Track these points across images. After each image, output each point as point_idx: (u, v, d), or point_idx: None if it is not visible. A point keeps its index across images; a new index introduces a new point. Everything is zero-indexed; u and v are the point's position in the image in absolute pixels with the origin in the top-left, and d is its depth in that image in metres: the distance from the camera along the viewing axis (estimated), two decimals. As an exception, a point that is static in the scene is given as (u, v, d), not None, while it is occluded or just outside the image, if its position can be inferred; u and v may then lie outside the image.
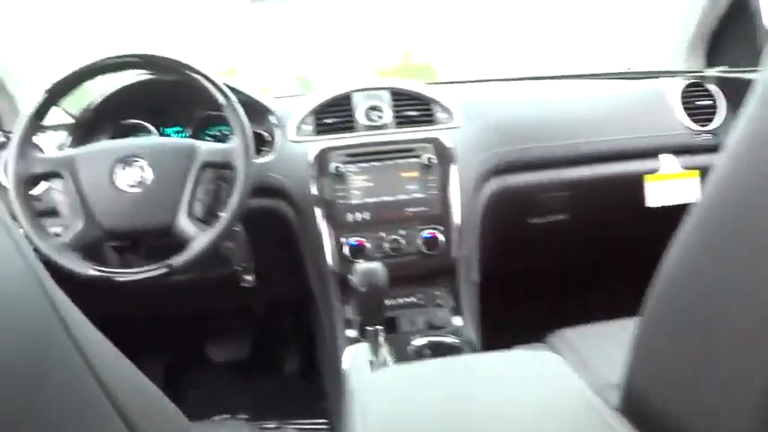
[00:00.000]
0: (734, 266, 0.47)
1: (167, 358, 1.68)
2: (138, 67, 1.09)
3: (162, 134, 1.34)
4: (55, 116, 1.34)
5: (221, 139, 1.36)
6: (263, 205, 1.24)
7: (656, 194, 1.39)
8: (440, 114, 1.32)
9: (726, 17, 1.41)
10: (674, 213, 1.38)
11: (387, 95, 1.33)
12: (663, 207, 1.38)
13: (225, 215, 1.01)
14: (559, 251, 1.54)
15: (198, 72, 1.05)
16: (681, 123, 1.40)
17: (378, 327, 1.00)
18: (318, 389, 1.56)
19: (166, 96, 1.29)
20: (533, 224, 1.40)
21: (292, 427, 1.53)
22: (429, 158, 1.22)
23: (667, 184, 1.39)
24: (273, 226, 1.26)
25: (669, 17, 1.53)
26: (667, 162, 1.39)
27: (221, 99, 1.05)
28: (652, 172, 1.38)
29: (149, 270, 1.00)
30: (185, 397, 1.68)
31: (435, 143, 1.24)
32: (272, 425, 1.58)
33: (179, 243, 1.01)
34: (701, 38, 1.47)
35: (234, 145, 1.04)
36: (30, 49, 1.40)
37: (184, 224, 1.01)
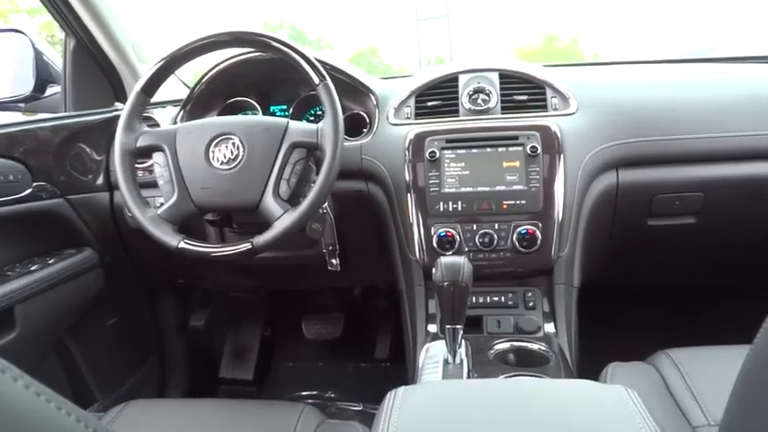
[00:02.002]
0: None
1: (264, 331, 1.74)
2: (229, 45, 1.10)
3: (267, 111, 1.36)
4: (175, 90, 1.43)
5: (321, 118, 1.35)
6: (355, 188, 1.22)
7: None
8: (552, 99, 1.20)
9: None
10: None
11: (495, 77, 1.23)
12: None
13: (309, 197, 1.00)
14: (680, 261, 1.36)
15: (292, 48, 1.03)
16: None
17: (457, 326, 0.94)
18: (406, 377, 1.53)
19: (273, 74, 1.30)
20: (653, 227, 1.23)
21: (375, 411, 1.52)
22: (534, 147, 1.12)
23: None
24: (364, 210, 1.23)
25: None
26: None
27: (315, 78, 1.03)
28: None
29: (234, 246, 1.01)
30: (278, 369, 1.74)
31: (543, 131, 1.13)
32: (356, 407, 1.59)
33: (266, 221, 1.02)
34: None
35: (324, 126, 1.02)
36: (156, 25, 1.49)
37: (270, 203, 1.01)
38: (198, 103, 1.32)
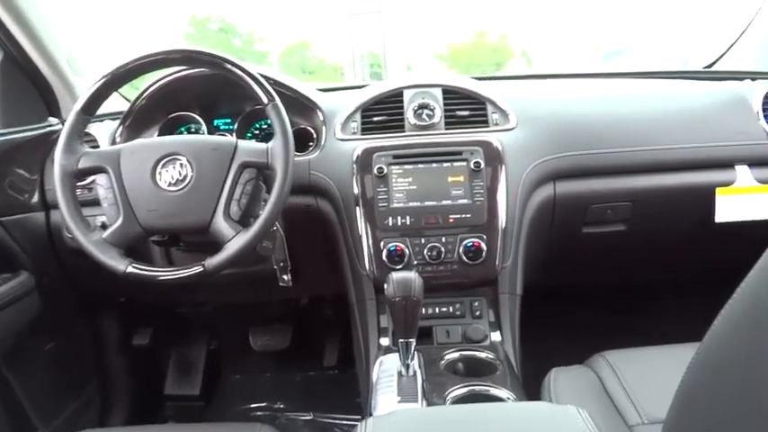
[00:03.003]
0: None
1: (209, 345, 1.72)
2: (178, 64, 1.08)
3: (211, 125, 1.34)
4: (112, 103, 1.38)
5: (267, 133, 1.35)
6: (304, 203, 1.23)
7: (728, 209, 1.27)
8: (493, 115, 1.25)
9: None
10: (744, 233, 1.27)
11: (438, 93, 1.27)
12: (730, 225, 1.26)
13: (261, 218, 1.00)
14: (613, 265, 1.45)
15: (241, 69, 1.03)
16: (764, 132, 1.27)
17: (410, 339, 0.97)
18: (355, 384, 1.55)
19: (217, 88, 1.28)
20: (587, 234, 1.31)
21: (325, 420, 1.54)
22: (477, 163, 1.16)
23: (740, 199, 1.27)
24: (314, 225, 1.24)
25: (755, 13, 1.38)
26: (743, 174, 1.27)
27: (264, 98, 1.03)
28: (725, 184, 1.26)
29: (185, 270, 1.00)
30: (226, 383, 1.72)
31: (485, 146, 1.18)
32: (306, 416, 1.60)
33: (216, 242, 1.01)
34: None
35: (274, 146, 1.02)
36: (92, 38, 1.44)
37: (221, 225, 1.00)
38: (138, 118, 1.29)
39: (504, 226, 1.15)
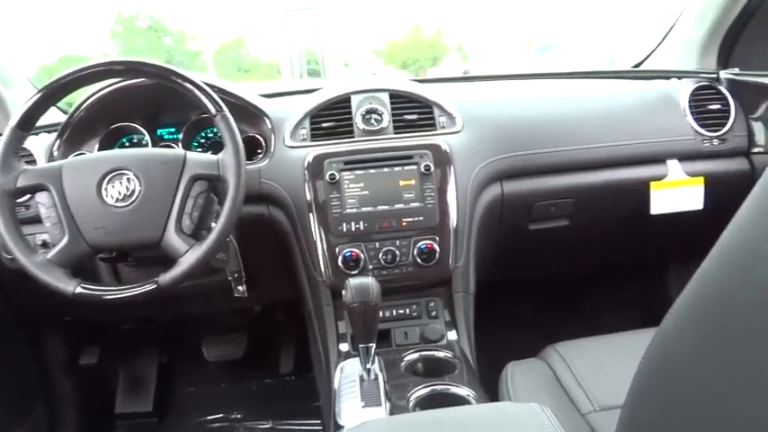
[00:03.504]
0: (745, 330, 0.42)
1: (161, 358, 1.68)
2: (123, 75, 1.05)
3: (154, 136, 1.30)
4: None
5: (214, 141, 1.33)
6: (256, 212, 1.22)
7: (661, 202, 1.35)
8: (440, 118, 1.28)
9: (743, 17, 1.35)
10: (676, 222, 1.35)
11: (386, 98, 1.29)
12: (665, 215, 1.34)
13: (214, 231, 0.99)
14: (559, 259, 1.51)
15: (188, 80, 1.01)
16: (691, 128, 1.35)
17: (370, 344, 0.98)
18: (313, 389, 1.56)
19: (160, 97, 1.25)
20: (533, 231, 1.36)
21: (285, 427, 1.53)
22: (428, 166, 1.19)
23: (673, 192, 1.35)
24: (267, 234, 1.23)
25: (682, 15, 1.47)
26: (674, 168, 1.35)
27: (212, 109, 1.01)
28: (658, 178, 1.34)
29: (137, 287, 0.97)
30: (180, 397, 1.69)
31: (434, 150, 1.20)
32: (265, 425, 1.59)
33: (168, 257, 0.99)
34: (715, 38, 1.41)
35: (225, 157, 1.01)
36: (23, 50, 1.37)
37: (173, 239, 0.98)
38: (77, 131, 1.24)
39: (455, 227, 1.18)
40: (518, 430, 0.58)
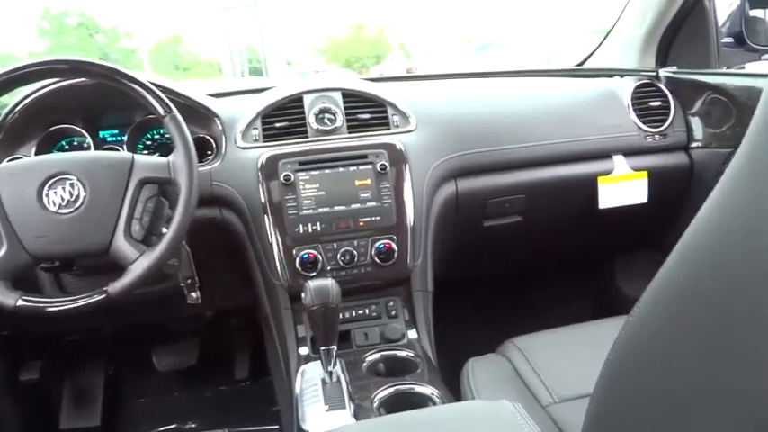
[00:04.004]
0: (716, 320, 0.44)
1: (108, 369, 1.61)
2: (67, 75, 1.00)
3: (96, 138, 1.24)
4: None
5: (161, 143, 1.28)
6: (207, 216, 1.18)
7: (608, 196, 1.40)
8: (393, 117, 1.28)
9: (679, 17, 1.41)
10: (622, 215, 1.40)
11: (338, 97, 1.27)
12: (612, 209, 1.39)
13: (167, 236, 0.95)
14: (513, 254, 1.55)
15: (136, 81, 0.97)
16: (634, 124, 1.40)
17: (331, 347, 0.97)
18: (270, 393, 1.53)
19: (101, 98, 1.19)
20: (488, 227, 1.38)
21: None
22: (383, 165, 1.18)
23: (618, 186, 1.40)
24: (219, 238, 1.20)
25: (622, 16, 1.52)
26: (620, 163, 1.39)
27: (161, 110, 0.97)
28: (605, 173, 1.39)
29: (84, 298, 0.93)
30: (129, 409, 1.62)
31: (389, 149, 1.20)
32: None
33: (117, 264, 0.95)
34: (654, 37, 1.47)
35: (176, 159, 0.97)
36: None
37: (122, 246, 0.94)
38: (11, 134, 1.16)
39: (412, 225, 1.19)
40: (494, 428, 0.59)
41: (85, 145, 1.23)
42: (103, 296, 0.93)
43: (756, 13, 1.44)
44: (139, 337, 1.64)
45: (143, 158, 0.98)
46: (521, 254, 1.56)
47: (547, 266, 1.70)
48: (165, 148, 1.28)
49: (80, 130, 1.22)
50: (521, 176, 1.34)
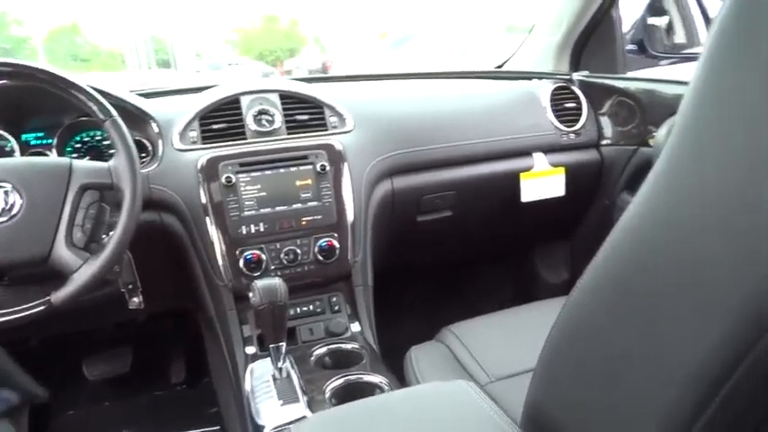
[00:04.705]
0: (647, 302, 0.51)
1: (36, 381, 1.54)
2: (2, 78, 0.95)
3: (20, 141, 1.19)
4: None
5: (91, 146, 1.25)
6: (147, 220, 1.16)
7: (530, 190, 1.50)
8: (331, 119, 1.31)
9: (590, 26, 1.54)
10: (542, 208, 1.52)
11: (276, 99, 1.29)
12: (533, 202, 1.50)
13: (112, 242, 0.94)
14: (446, 247, 1.63)
15: (74, 86, 0.94)
16: (551, 123, 1.52)
17: (280, 343, 1.00)
18: (208, 395, 1.52)
19: (26, 100, 1.14)
20: (421, 222, 1.45)
21: None
22: (323, 165, 1.21)
23: (539, 181, 1.51)
24: (161, 242, 1.18)
25: (539, 23, 1.64)
26: (539, 160, 1.50)
27: (101, 114, 0.96)
28: (526, 169, 1.49)
29: (25, 309, 0.90)
30: (59, 422, 1.56)
31: (328, 149, 1.23)
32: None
33: (58, 273, 0.93)
34: (568, 44, 1.60)
35: (117, 164, 0.96)
36: None
37: (64, 254, 0.92)
38: None
39: (352, 223, 1.23)
40: (456, 406, 0.65)
41: (8, 149, 1.18)
42: (46, 306, 0.90)
43: (655, 21, 1.60)
44: (69, 346, 1.57)
45: (81, 164, 0.96)
46: (452, 246, 1.65)
47: (476, 257, 1.80)
48: (95, 151, 1.24)
49: (2, 133, 1.17)
50: (452, 174, 1.42)
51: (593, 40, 1.58)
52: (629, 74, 1.58)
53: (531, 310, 1.21)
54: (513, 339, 1.09)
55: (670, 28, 1.63)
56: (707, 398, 0.43)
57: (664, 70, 1.63)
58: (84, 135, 1.24)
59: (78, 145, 1.24)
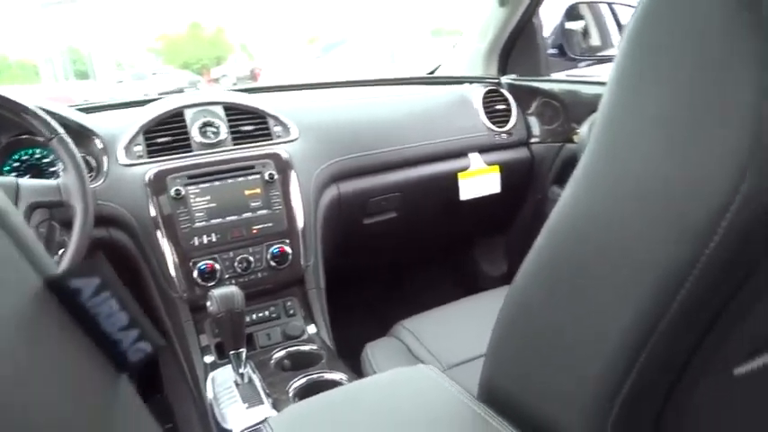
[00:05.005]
0: (578, 282, 0.58)
1: None
2: None
3: None
4: None
5: (30, 164, 1.23)
6: (96, 236, 1.16)
7: (468, 189, 1.59)
8: (275, 128, 1.34)
9: (515, 32, 1.65)
10: (480, 205, 1.60)
11: (220, 110, 1.31)
12: (471, 200, 1.59)
13: (64, 261, 0.94)
14: (393, 246, 1.69)
15: (18, 106, 0.94)
16: (484, 125, 1.61)
17: (240, 350, 1.03)
18: (163, 411, 1.51)
19: None
20: (368, 224, 1.51)
21: None
22: (271, 174, 1.25)
23: (475, 180, 1.60)
24: (111, 258, 1.17)
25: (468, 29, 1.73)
26: (475, 160, 1.59)
27: (47, 132, 0.96)
28: (463, 169, 1.58)
29: None
30: None
31: (275, 158, 1.27)
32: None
33: None
34: (495, 49, 1.70)
35: (67, 181, 0.96)
36: None
37: None
38: None
39: (303, 228, 1.27)
40: (421, 388, 0.70)
41: None
42: None
43: (572, 26, 1.72)
44: None
45: (29, 182, 0.96)
46: (398, 246, 1.71)
47: (421, 256, 1.87)
48: (35, 169, 1.23)
49: None
50: (396, 176, 1.49)
51: (518, 46, 1.69)
52: (553, 75, 1.70)
53: (476, 301, 1.28)
54: (461, 329, 1.16)
55: (586, 32, 1.77)
56: (629, 364, 0.51)
57: (583, 71, 1.76)
58: (22, 153, 1.22)
59: (17, 164, 1.22)
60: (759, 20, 0.39)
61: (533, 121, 1.67)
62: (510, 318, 0.66)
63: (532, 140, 1.67)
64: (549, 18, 1.67)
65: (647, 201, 0.47)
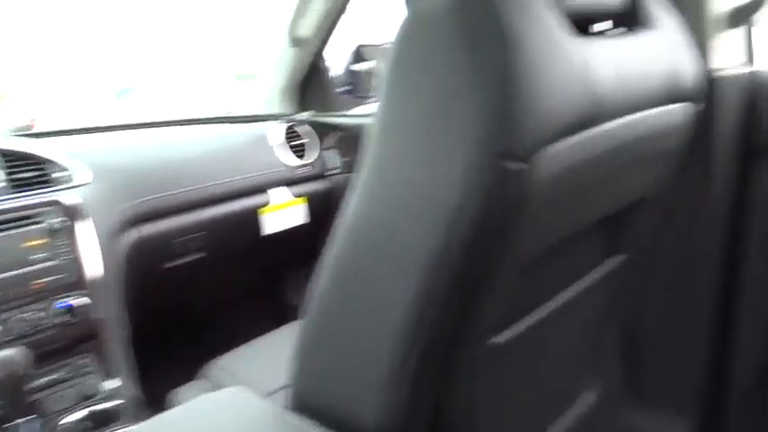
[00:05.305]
0: (362, 276, 0.64)
1: None
2: None
3: None
4: None
5: None
6: None
7: (271, 223, 1.63)
8: (56, 174, 1.24)
9: (307, 73, 1.76)
10: (289, 237, 1.65)
11: None
12: (277, 234, 1.63)
13: None
14: (202, 286, 1.65)
15: None
16: (279, 161, 1.66)
17: (20, 420, 0.92)
18: None
19: None
20: (172, 267, 1.45)
21: None
22: (56, 222, 1.15)
23: (278, 214, 1.64)
24: None
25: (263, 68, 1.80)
26: (277, 194, 1.64)
27: None
28: (264, 205, 1.61)
29: None
30: None
31: (57, 206, 1.17)
32: None
33: None
34: (291, 88, 1.78)
35: None
36: None
37: None
38: None
39: (98, 277, 1.18)
40: (236, 410, 0.71)
41: None
42: None
43: (358, 67, 1.88)
44: None
45: None
46: (208, 286, 1.67)
47: (234, 293, 1.85)
48: None
49: None
50: (198, 216, 1.46)
51: (311, 86, 1.79)
52: (351, 111, 1.83)
53: (288, 331, 1.31)
54: (276, 358, 1.16)
55: (371, 72, 1.93)
56: (413, 338, 0.59)
57: (375, 106, 1.92)
58: None
59: None
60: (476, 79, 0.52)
61: (329, 154, 1.77)
62: (310, 323, 0.71)
63: (333, 171, 1.77)
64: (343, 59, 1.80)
65: (409, 201, 0.58)
